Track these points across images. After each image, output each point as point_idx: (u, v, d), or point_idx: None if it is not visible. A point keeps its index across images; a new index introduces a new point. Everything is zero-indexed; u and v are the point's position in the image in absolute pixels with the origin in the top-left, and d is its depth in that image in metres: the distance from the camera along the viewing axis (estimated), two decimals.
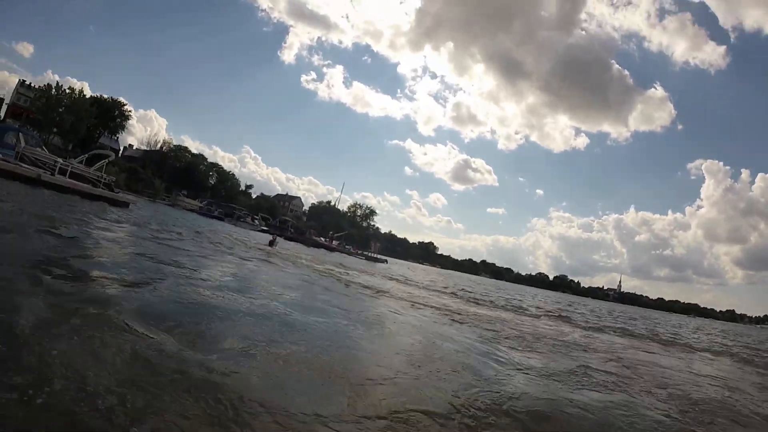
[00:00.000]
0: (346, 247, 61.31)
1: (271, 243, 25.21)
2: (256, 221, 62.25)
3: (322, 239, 58.48)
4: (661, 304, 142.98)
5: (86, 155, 25.58)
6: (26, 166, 19.78)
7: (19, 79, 56.09)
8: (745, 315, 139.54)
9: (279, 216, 69.37)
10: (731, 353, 12.57)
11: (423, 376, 4.07)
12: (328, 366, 3.69)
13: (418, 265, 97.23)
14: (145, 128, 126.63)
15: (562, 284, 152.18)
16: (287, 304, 6.17)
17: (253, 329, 4.29)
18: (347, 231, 73.63)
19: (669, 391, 5.37)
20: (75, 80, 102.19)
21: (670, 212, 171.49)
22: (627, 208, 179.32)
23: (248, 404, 2.63)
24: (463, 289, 24.27)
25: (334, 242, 60.71)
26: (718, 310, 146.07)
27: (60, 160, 22.98)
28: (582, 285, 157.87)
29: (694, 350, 12.14)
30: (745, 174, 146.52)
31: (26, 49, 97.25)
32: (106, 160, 25.24)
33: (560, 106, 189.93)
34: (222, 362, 3.14)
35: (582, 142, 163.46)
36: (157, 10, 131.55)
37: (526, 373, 5.02)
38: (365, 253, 59.18)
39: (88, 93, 58.44)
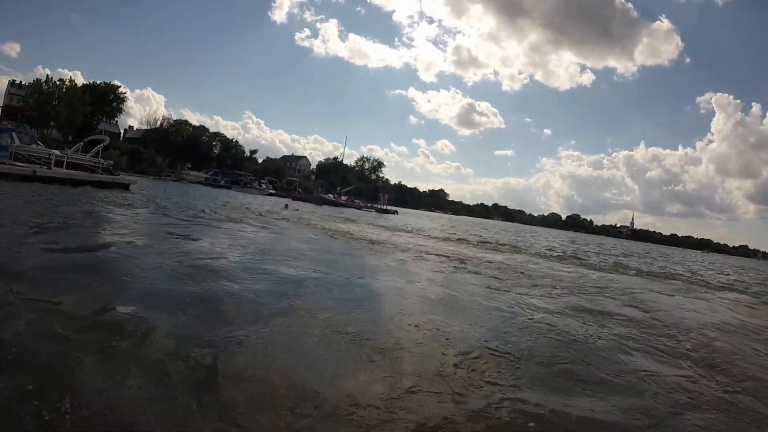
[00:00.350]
0: (355, 201, 61.70)
1: (286, 206, 27.39)
2: (263, 185, 62.80)
3: (330, 196, 58.90)
4: (674, 240, 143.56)
5: (81, 143, 26.01)
6: (21, 164, 20.25)
7: (9, 80, 56.20)
8: (758, 250, 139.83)
9: (286, 178, 69.64)
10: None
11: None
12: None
13: (429, 213, 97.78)
14: (144, 108, 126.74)
15: (574, 224, 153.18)
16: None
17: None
18: (354, 186, 73.90)
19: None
20: (66, 71, 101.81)
21: (680, 147, 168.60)
22: (637, 144, 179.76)
23: None
24: (473, 235, 24.66)
25: (342, 198, 61.22)
26: (731, 246, 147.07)
27: (56, 152, 23.51)
28: (595, 223, 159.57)
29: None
30: (756, 108, 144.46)
31: (12, 48, 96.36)
32: (101, 145, 25.58)
33: (563, 43, 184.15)
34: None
35: (588, 78, 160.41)
36: None
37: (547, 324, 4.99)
38: (375, 205, 59.63)
39: (80, 81, 58.57)
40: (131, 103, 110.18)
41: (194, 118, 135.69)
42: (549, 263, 13.44)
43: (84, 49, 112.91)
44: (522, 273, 9.66)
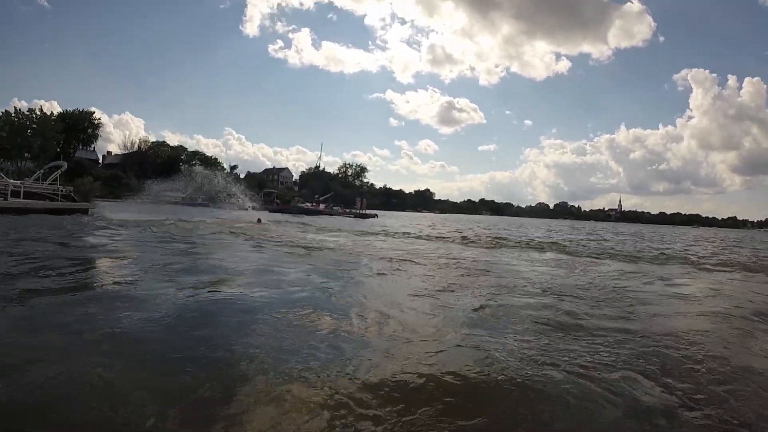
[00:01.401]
0: (334, 208, 62.60)
1: (259, 221, 26.11)
2: (241, 200, 63.33)
3: (308, 205, 59.70)
4: (663, 219, 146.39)
5: (40, 171, 26.77)
6: None
7: None
8: (747, 220, 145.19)
9: (263, 190, 70.33)
10: None
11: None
12: None
13: (415, 214, 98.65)
14: (124, 132, 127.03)
15: (563, 211, 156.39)
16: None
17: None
18: (332, 192, 74.80)
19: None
20: (43, 101, 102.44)
21: (661, 126, 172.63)
22: (618, 127, 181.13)
23: None
24: (450, 231, 25.27)
25: (321, 205, 62.03)
26: (720, 218, 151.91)
27: (14, 182, 24.19)
28: (583, 209, 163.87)
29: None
30: (732, 80, 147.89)
31: None
32: (59, 171, 26.28)
33: (536, 32, 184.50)
34: None
35: (564, 66, 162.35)
36: (107, 9, 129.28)
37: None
38: (353, 210, 60.54)
39: (57, 110, 59.42)
40: (110, 129, 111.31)
41: (175, 139, 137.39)
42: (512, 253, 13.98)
43: (58, 79, 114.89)
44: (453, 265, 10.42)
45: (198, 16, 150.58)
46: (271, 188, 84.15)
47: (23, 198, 22.84)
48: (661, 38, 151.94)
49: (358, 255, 11.14)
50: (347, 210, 61.62)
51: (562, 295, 6.54)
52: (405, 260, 10.22)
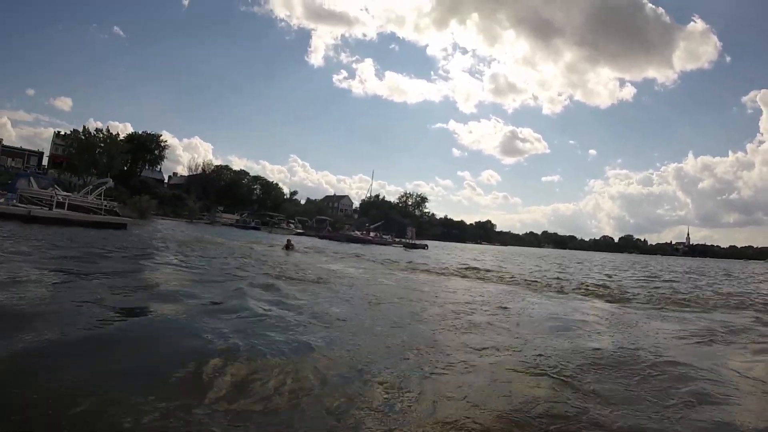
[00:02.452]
0: (384, 237, 61.56)
1: (288, 246, 23.97)
2: (291, 225, 64.12)
3: (358, 233, 59.08)
4: (733, 252, 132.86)
5: (90, 186, 27.82)
6: (21, 205, 21.80)
7: (55, 131, 61.94)
8: None
9: (315, 217, 70.87)
10: None
11: None
12: None
13: (474, 246, 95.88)
14: (192, 155, 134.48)
15: (627, 245, 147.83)
16: None
17: None
18: (383, 221, 73.92)
19: None
20: (117, 123, 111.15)
21: (730, 153, 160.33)
22: (685, 155, 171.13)
23: None
24: (499, 267, 23.36)
25: (371, 234, 61.26)
26: None
27: (62, 194, 25.14)
28: (649, 243, 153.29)
29: None
30: None
31: (65, 103, 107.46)
32: (104, 187, 27.15)
33: (600, 59, 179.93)
34: None
35: (628, 92, 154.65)
36: (179, 39, 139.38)
37: None
38: (403, 240, 59.14)
39: (129, 131, 63.84)
40: (180, 151, 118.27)
41: (241, 164, 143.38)
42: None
43: (133, 103, 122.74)
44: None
45: (265, 47, 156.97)
46: (330, 215, 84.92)
47: (67, 209, 23.63)
48: (728, 58, 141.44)
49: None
50: (397, 240, 60.33)
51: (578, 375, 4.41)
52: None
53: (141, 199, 44.06)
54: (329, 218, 69.38)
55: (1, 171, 31.88)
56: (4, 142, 56.48)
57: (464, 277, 16.26)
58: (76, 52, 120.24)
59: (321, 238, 52.31)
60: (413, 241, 57.65)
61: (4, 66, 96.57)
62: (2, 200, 23.74)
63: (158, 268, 10.10)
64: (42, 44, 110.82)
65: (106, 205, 25.91)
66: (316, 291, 8.87)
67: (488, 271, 19.16)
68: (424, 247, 53.39)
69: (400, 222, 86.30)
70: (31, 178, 26.41)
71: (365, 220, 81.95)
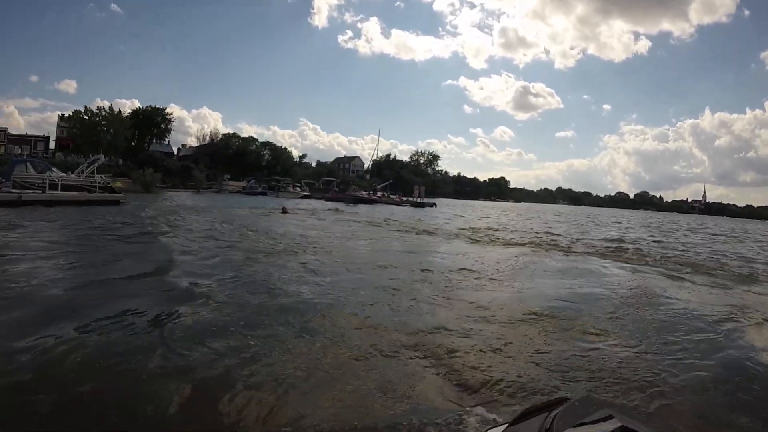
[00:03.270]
0: (391, 196, 61.53)
1: (284, 210, 27.21)
2: (297, 189, 64.51)
3: (363, 193, 59.14)
4: (750, 212, 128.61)
5: (84, 165, 28.32)
6: (15, 191, 22.38)
7: (59, 114, 62.52)
8: None
9: (322, 179, 70.93)
10: None
11: None
12: None
13: (487, 203, 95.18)
14: (201, 126, 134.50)
15: (643, 202, 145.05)
16: None
17: None
18: (390, 180, 73.65)
19: None
20: (124, 100, 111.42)
21: (748, 110, 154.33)
22: (702, 111, 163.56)
23: None
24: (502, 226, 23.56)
25: (378, 194, 61.32)
26: None
27: (58, 175, 25.66)
28: (665, 200, 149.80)
29: None
30: None
31: (69, 86, 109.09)
32: (96, 164, 27.62)
33: (613, 10, 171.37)
34: None
35: (643, 46, 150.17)
36: (176, 12, 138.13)
37: None
38: (410, 199, 59.08)
39: (136, 107, 64.23)
40: (189, 123, 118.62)
41: (251, 131, 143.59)
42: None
43: (138, 78, 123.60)
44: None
45: (267, 12, 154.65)
46: (341, 177, 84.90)
47: (61, 190, 24.19)
48: (746, 11, 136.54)
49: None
50: (404, 198, 60.26)
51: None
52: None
53: (145, 172, 44.68)
54: (336, 179, 69.35)
55: (5, 159, 32.50)
56: (13, 131, 57.91)
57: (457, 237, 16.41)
58: (75, 33, 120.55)
59: (327, 200, 52.57)
60: (421, 200, 57.50)
61: (5, 55, 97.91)
62: None
63: (111, 245, 10.37)
64: (40, 29, 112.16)
65: (99, 182, 26.44)
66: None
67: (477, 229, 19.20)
68: (432, 205, 53.35)
69: (413, 181, 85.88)
70: (28, 164, 26.90)
71: (377, 180, 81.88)
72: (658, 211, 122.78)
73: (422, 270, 9.07)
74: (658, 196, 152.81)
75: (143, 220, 17.57)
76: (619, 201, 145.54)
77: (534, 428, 1.08)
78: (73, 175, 27.03)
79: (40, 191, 23.30)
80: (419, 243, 14.92)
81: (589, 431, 1.02)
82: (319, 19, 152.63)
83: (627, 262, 12.03)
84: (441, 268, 9.57)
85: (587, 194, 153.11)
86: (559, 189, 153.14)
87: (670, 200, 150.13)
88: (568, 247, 15.22)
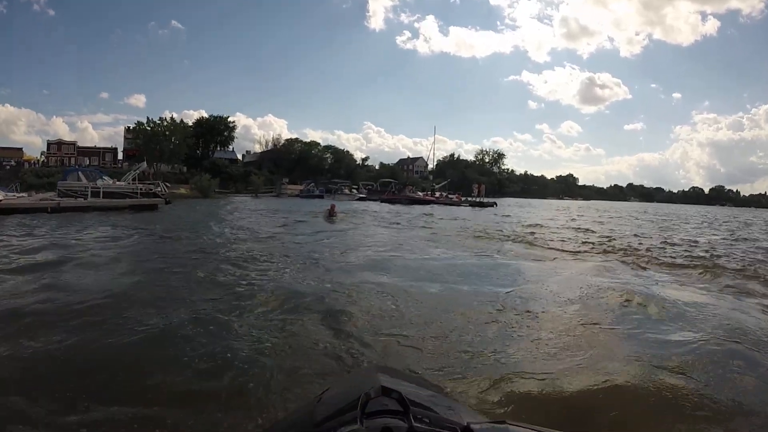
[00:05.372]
0: (449, 196, 59.21)
1: (331, 213, 23.16)
2: (354, 191, 64.01)
3: (420, 194, 57.42)
4: None
5: (129, 173, 29.23)
6: (56, 198, 23.30)
7: (125, 127, 66.47)
8: None
9: (380, 180, 69.92)
10: None
11: None
12: None
13: (554, 201, 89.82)
14: (268, 133, 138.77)
15: (719, 197, 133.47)
16: None
17: None
18: (449, 180, 71.20)
19: None
20: (192, 111, 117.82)
21: None
22: None
23: None
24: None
25: (436, 194, 59.34)
26: None
27: (97, 184, 26.57)
28: (742, 194, 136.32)
29: None
30: None
31: (139, 100, 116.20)
32: (137, 171, 28.52)
33: None
34: None
35: (712, 26, 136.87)
36: (238, 25, 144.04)
37: None
38: (469, 199, 56.47)
39: (201, 117, 67.32)
40: (255, 130, 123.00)
41: (316, 136, 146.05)
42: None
43: (203, 90, 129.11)
44: None
45: (324, 19, 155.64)
46: (405, 178, 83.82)
47: (103, 197, 24.95)
48: None
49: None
50: (463, 198, 57.71)
51: None
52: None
53: (202, 179, 46.12)
54: (393, 180, 68.05)
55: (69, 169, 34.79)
56: (87, 144, 62.71)
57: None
58: (139, 50, 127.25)
59: (382, 201, 51.48)
60: (480, 199, 54.63)
61: (75, 74, 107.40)
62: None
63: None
64: (106, 49, 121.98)
65: (141, 188, 27.06)
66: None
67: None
68: (493, 204, 50.39)
69: (477, 180, 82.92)
70: (79, 173, 28.24)
71: (439, 181, 79.76)
72: (735, 207, 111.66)
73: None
74: (734, 190, 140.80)
75: (154, 227, 17.09)
76: (693, 197, 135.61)
77: None
78: (120, 183, 27.94)
79: (83, 198, 24.13)
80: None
81: None
82: (376, 22, 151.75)
83: None
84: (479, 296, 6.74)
85: (659, 190, 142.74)
86: (630, 185, 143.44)
87: (747, 194, 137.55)
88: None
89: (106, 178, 29.15)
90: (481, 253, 11.50)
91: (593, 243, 14.24)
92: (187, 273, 7.57)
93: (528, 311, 5.62)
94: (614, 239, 15.59)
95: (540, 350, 4.28)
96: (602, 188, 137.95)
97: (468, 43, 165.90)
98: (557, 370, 3.71)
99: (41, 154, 61.12)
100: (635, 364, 3.89)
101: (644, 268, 9.55)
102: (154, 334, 4.43)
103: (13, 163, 53.41)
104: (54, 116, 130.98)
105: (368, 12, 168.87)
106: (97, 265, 8.28)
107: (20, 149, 61.23)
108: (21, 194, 26.36)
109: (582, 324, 5.14)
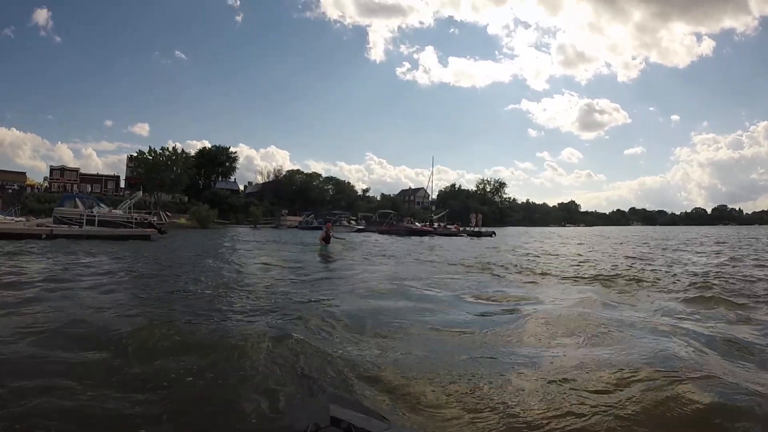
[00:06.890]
0: (447, 227, 59.26)
1: (326, 239, 18.89)
2: (352, 222, 64.28)
3: (418, 225, 57.55)
4: None
5: (125, 202, 29.68)
6: (50, 225, 23.69)
7: (128, 155, 67.65)
8: None
9: (378, 212, 70.26)
10: None
11: None
12: None
13: (556, 229, 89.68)
14: (270, 164, 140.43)
15: (722, 216, 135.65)
16: None
17: None
18: (447, 210, 71.50)
19: None
20: (195, 141, 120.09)
21: None
22: None
23: None
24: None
25: (434, 224, 59.42)
26: None
27: (93, 212, 26.87)
28: (744, 212, 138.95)
29: None
30: None
31: (143, 128, 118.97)
32: (132, 201, 28.88)
33: (671, 13, 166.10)
34: None
35: (707, 47, 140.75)
36: (241, 56, 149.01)
37: None
38: (467, 229, 56.49)
39: (204, 147, 68.52)
40: (258, 161, 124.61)
41: (318, 167, 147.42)
42: None
43: (206, 120, 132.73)
44: None
45: (324, 50, 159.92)
46: (406, 209, 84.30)
47: (98, 226, 25.25)
48: None
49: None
50: (461, 228, 57.74)
51: None
52: None
53: (200, 209, 46.66)
54: (392, 212, 68.34)
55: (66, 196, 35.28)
56: (91, 171, 63.93)
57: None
58: (144, 80, 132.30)
59: (380, 233, 51.54)
60: (478, 229, 54.58)
61: (81, 102, 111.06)
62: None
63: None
64: (110, 78, 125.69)
65: (135, 218, 27.40)
66: None
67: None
68: (491, 234, 50.30)
69: (478, 210, 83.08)
70: (77, 199, 28.68)
71: (440, 211, 80.00)
72: (739, 225, 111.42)
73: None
74: (737, 209, 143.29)
75: (136, 261, 17.22)
76: (695, 217, 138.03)
77: None
78: (117, 211, 28.32)
79: (77, 226, 24.49)
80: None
81: None
82: (376, 53, 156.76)
83: None
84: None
85: (662, 212, 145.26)
86: (632, 209, 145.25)
87: (750, 212, 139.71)
88: None
89: (102, 206, 29.55)
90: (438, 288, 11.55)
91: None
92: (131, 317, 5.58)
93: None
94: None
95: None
96: (604, 213, 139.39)
97: (467, 73, 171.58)
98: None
99: (44, 180, 62.33)
100: None
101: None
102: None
103: (15, 187, 54.40)
104: (59, 142, 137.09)
105: (368, 44, 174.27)
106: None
107: (23, 173, 62.76)
108: (19, 218, 26.78)
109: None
